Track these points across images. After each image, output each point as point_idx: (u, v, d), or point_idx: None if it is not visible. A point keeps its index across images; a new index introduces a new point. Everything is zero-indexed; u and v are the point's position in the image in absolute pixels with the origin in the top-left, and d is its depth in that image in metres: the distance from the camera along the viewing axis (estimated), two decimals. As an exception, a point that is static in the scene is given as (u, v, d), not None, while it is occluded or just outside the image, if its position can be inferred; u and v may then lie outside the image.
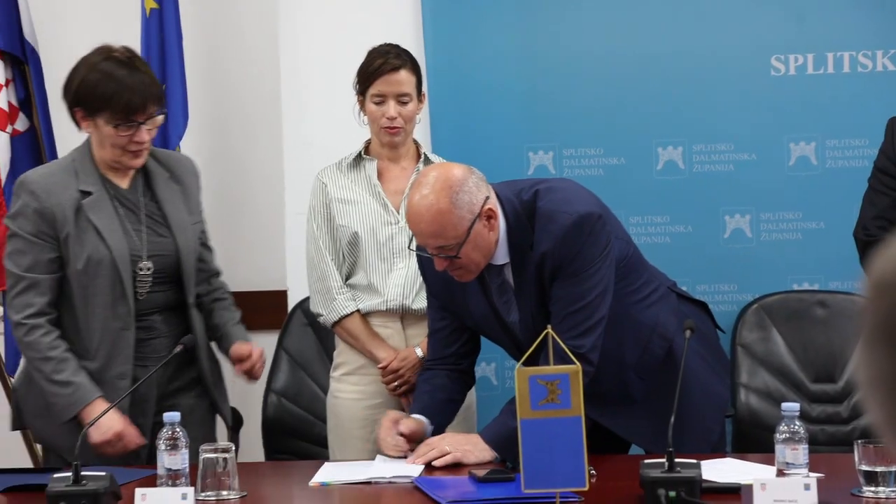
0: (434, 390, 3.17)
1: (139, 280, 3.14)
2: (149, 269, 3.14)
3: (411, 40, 3.98)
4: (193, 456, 2.69)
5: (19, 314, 3.08)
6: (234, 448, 2.67)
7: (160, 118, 3.15)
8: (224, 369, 3.41)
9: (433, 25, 4.30)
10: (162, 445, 2.63)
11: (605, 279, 2.95)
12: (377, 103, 3.46)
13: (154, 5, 4.31)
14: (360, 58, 3.56)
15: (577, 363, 2.44)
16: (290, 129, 4.40)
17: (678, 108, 4.22)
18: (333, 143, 3.90)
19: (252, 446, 3.92)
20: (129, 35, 4.38)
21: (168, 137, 4.33)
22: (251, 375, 3.28)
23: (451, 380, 3.20)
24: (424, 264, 3.14)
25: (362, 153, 3.56)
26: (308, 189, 3.63)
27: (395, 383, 3.46)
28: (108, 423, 2.98)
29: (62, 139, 4.45)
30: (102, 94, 3.06)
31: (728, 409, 3.31)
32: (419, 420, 3.10)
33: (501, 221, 2.96)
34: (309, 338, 3.98)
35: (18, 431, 3.48)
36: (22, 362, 3.27)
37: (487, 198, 2.91)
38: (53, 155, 4.41)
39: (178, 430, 2.64)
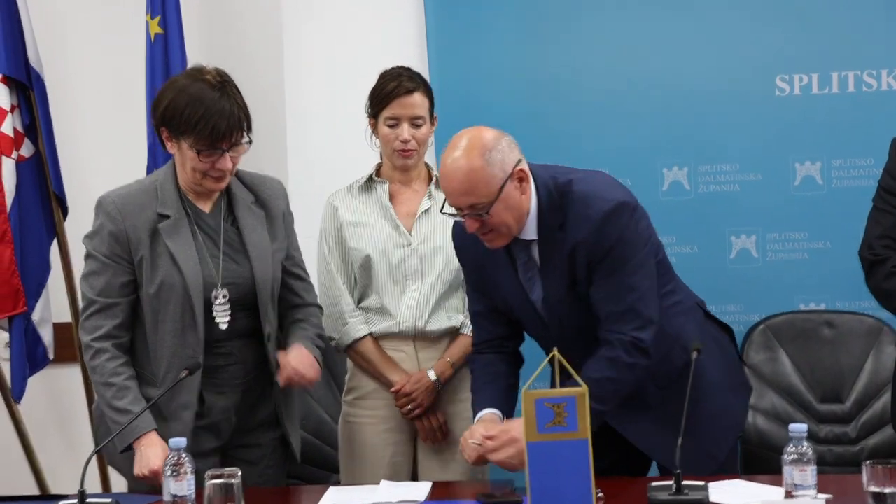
0: (497, 378, 3.14)
1: (217, 308, 3.07)
2: (225, 297, 3.08)
3: (416, 62, 3.98)
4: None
5: (88, 336, 3.04)
6: (239, 474, 2.65)
7: (245, 146, 3.04)
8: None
9: (437, 47, 4.32)
10: (168, 471, 2.61)
11: (652, 270, 2.98)
12: (391, 126, 3.46)
13: (159, 30, 4.33)
14: (365, 80, 3.56)
15: (584, 386, 2.44)
16: (294, 151, 4.41)
17: (683, 129, 4.22)
18: (338, 165, 3.90)
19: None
20: (134, 60, 4.42)
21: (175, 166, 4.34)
22: (293, 384, 3.16)
23: (506, 363, 3.18)
24: (460, 242, 3.15)
25: (373, 176, 3.56)
26: (312, 211, 3.63)
27: (409, 406, 3.45)
28: (148, 458, 2.92)
29: (67, 165, 4.47)
30: (189, 118, 2.97)
31: (741, 431, 3.30)
32: (494, 416, 3.06)
33: (533, 196, 2.95)
34: (315, 362, 3.96)
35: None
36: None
37: (520, 160, 2.92)
38: (58, 181, 4.42)
39: (183, 455, 2.62)
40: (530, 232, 2.97)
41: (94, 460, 2.85)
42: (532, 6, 4.31)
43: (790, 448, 2.52)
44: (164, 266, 3.03)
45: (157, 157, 4.32)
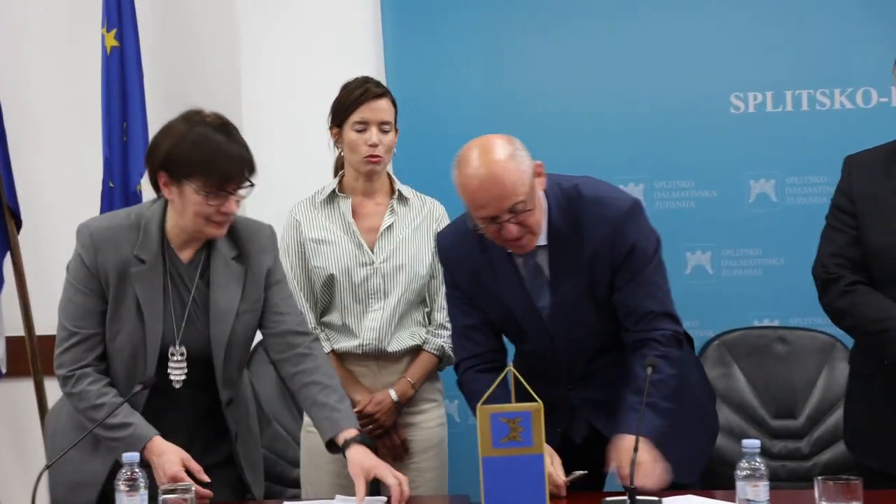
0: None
1: (172, 364, 2.99)
2: (182, 356, 3.00)
3: (373, 76, 3.97)
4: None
5: (66, 368, 2.95)
6: (192, 488, 2.63)
7: (249, 189, 2.95)
8: None
9: (394, 61, 4.32)
10: (121, 486, 2.59)
11: (665, 267, 3.05)
12: (359, 131, 3.44)
13: (115, 43, 4.31)
14: (322, 94, 3.56)
15: (539, 402, 2.44)
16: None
17: (639, 146, 4.25)
18: (296, 179, 3.89)
19: (215, 484, 3.88)
20: (89, 73, 4.40)
21: (129, 176, 4.31)
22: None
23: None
24: (451, 254, 3.11)
25: (336, 190, 3.55)
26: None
27: (370, 427, 3.44)
28: (163, 467, 2.84)
29: (21, 177, 4.44)
30: (198, 160, 2.86)
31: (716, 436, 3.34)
32: None
33: (542, 200, 2.95)
34: (270, 377, 3.94)
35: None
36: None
37: (530, 156, 2.90)
38: (12, 193, 4.38)
39: (136, 470, 2.60)
40: (540, 238, 2.96)
41: (45, 476, 2.81)
42: (491, 20, 4.32)
43: (743, 463, 2.53)
44: (128, 313, 2.96)
45: (112, 170, 4.29)
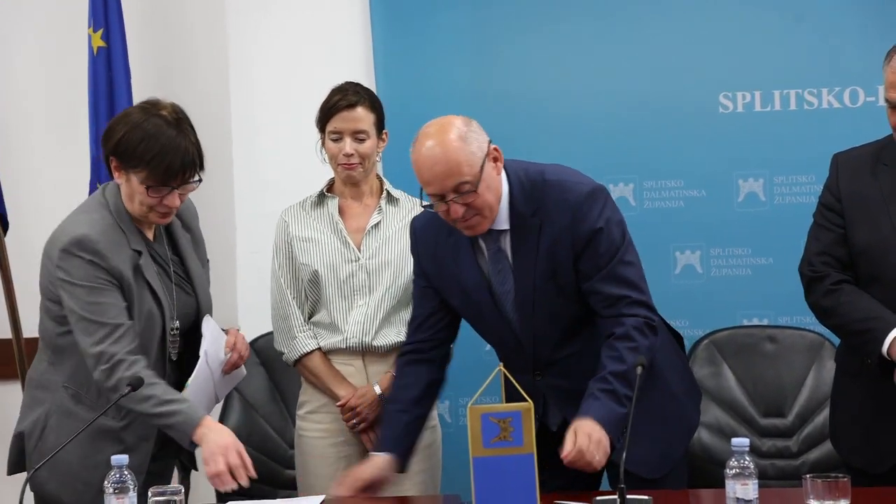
0: (412, 406, 3.12)
1: (171, 339, 3.07)
2: (177, 329, 3.08)
3: (363, 78, 3.98)
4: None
5: (117, 356, 2.94)
6: (182, 491, 2.63)
7: (194, 185, 3.02)
8: None
9: (384, 62, 4.32)
10: (109, 489, 2.58)
11: (635, 249, 3.04)
12: (334, 140, 3.47)
13: (102, 43, 4.29)
14: (312, 97, 3.56)
15: (529, 401, 2.44)
16: (241, 167, 4.39)
17: (629, 146, 4.25)
18: (286, 181, 3.89)
19: (204, 487, 3.87)
20: (76, 73, 4.38)
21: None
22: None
23: (433, 373, 3.16)
24: (419, 234, 3.13)
25: (325, 191, 3.57)
26: (259, 228, 3.64)
27: (354, 420, 3.45)
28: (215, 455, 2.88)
29: (8, 179, 4.42)
30: (143, 153, 2.93)
31: (694, 432, 3.33)
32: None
33: (505, 184, 2.96)
34: (261, 377, 3.94)
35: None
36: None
37: (490, 140, 2.92)
38: (0, 200, 4.36)
39: (125, 472, 2.60)
40: (501, 221, 2.96)
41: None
42: (480, 21, 4.33)
43: (732, 462, 2.54)
44: (147, 300, 3.01)
45: (100, 171, 4.28)
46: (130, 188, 2.99)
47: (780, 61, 4.25)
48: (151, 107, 3.02)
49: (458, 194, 2.85)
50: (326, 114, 3.48)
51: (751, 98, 4.26)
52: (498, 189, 2.93)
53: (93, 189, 4.30)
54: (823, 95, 4.24)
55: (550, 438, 2.95)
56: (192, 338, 3.13)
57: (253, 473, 2.90)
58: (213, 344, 3.13)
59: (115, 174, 3.01)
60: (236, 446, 2.90)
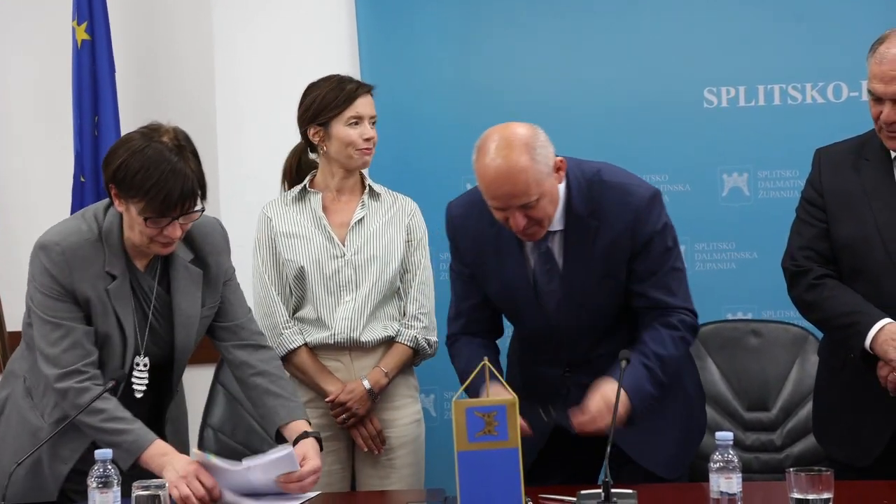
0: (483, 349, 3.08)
1: (136, 375, 2.99)
2: (145, 366, 3.00)
3: (347, 72, 3.96)
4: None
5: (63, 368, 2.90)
6: (167, 485, 2.62)
7: (196, 214, 2.89)
8: None
9: (369, 57, 4.31)
10: (93, 483, 2.58)
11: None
12: (353, 125, 3.45)
13: (86, 36, 4.28)
14: (297, 91, 3.55)
15: (513, 395, 2.44)
16: (225, 161, 4.38)
17: (612, 140, 4.25)
18: (270, 175, 3.87)
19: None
20: (60, 66, 4.36)
21: (101, 171, 4.28)
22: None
23: (490, 347, 3.15)
24: (459, 222, 3.11)
25: (307, 186, 3.55)
26: (244, 223, 3.62)
27: (343, 416, 3.45)
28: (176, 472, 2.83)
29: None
30: (141, 183, 2.80)
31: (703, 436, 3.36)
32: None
33: (562, 186, 2.95)
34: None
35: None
36: None
37: (554, 152, 2.89)
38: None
39: (109, 467, 2.59)
40: (555, 222, 2.96)
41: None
42: (465, 16, 4.33)
43: (716, 456, 2.54)
44: (109, 325, 2.94)
45: (84, 164, 4.27)
46: (130, 218, 2.89)
47: (764, 56, 4.26)
48: (153, 132, 2.89)
49: (523, 208, 2.83)
50: (346, 100, 3.44)
51: (735, 93, 4.27)
52: (557, 198, 2.92)
53: (76, 183, 4.29)
54: (807, 91, 4.26)
55: (555, 432, 2.98)
56: (164, 377, 3.05)
57: (217, 496, 2.86)
58: (269, 467, 2.93)
59: (115, 202, 2.90)
60: (197, 473, 2.83)
